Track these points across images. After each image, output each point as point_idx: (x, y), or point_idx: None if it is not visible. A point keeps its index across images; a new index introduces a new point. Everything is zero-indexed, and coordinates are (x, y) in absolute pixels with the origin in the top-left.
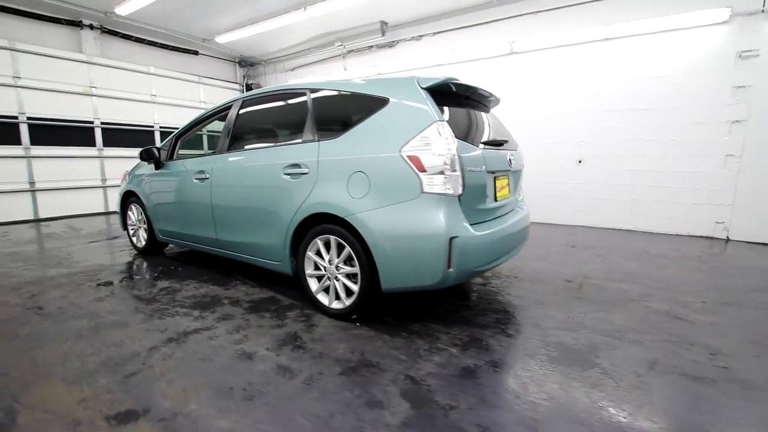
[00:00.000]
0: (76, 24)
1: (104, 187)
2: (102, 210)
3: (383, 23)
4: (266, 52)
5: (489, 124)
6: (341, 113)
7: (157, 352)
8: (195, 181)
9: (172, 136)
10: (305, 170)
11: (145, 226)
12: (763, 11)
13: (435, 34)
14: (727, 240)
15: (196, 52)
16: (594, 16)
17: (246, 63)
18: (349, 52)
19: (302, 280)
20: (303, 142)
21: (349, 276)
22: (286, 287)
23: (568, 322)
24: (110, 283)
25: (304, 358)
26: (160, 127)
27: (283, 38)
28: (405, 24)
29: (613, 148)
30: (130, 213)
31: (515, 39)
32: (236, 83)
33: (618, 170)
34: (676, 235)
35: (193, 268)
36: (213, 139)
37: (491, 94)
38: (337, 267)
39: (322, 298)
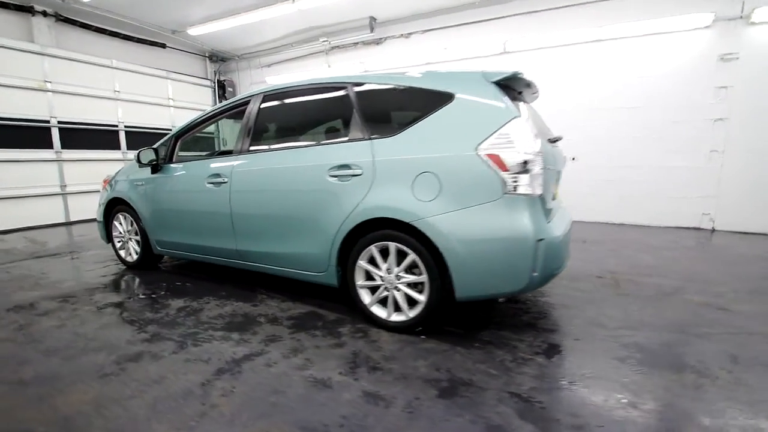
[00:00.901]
0: (26, 10)
1: (64, 194)
2: (62, 220)
3: (372, 19)
4: (241, 47)
5: (538, 120)
6: (396, 109)
7: (214, 388)
8: (208, 186)
9: (170, 135)
10: (357, 171)
11: (137, 237)
12: (741, 17)
13: (425, 32)
14: (713, 230)
15: (163, 45)
16: (585, 18)
17: (217, 58)
18: (333, 48)
19: (352, 291)
20: (350, 140)
21: (411, 285)
22: (324, 299)
23: (628, 321)
24: (113, 306)
25: (387, 380)
26: (126, 126)
27: (263, 32)
28: (394, 21)
29: (604, 145)
30: (116, 223)
31: (508, 39)
32: (207, 79)
33: (609, 166)
34: (665, 227)
35: (202, 282)
36: (206, 140)
37: (537, 89)
38: (397, 276)
39: (378, 311)
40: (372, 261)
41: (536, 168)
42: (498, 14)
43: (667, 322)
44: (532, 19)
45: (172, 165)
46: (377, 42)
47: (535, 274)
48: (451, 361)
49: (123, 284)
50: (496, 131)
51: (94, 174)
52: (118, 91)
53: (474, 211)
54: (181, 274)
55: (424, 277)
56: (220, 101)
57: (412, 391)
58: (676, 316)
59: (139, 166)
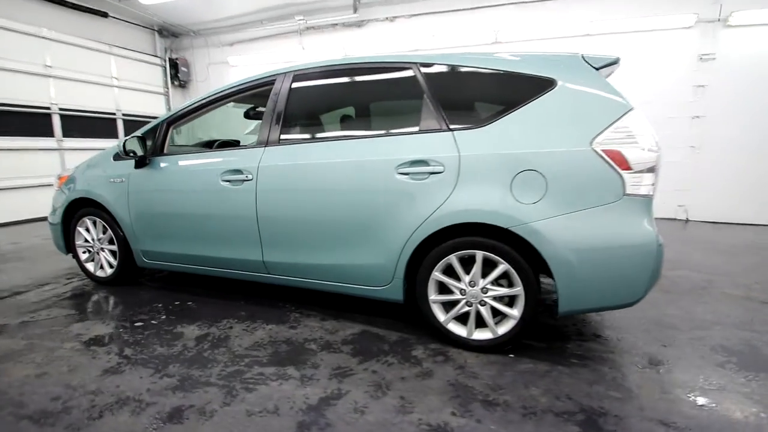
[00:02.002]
0: None
1: None
2: None
3: None
4: (198, 21)
5: None
6: (482, 96)
7: None
8: (223, 184)
9: (159, 121)
10: (437, 168)
11: (113, 247)
12: (719, 20)
13: (411, 16)
14: (687, 220)
15: (105, 14)
16: (576, 12)
17: (168, 33)
18: (309, 28)
19: (422, 307)
20: (422, 131)
21: (497, 299)
22: (369, 314)
23: (693, 320)
24: (104, 340)
25: (514, 419)
26: (61, 109)
27: (227, 5)
28: (378, 2)
29: None
30: (81, 230)
31: (500, 28)
32: (157, 57)
33: None
34: None
35: (207, 300)
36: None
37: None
38: (483, 289)
39: (456, 329)
40: (447, 272)
41: (658, 167)
42: (490, 2)
43: (730, 319)
44: (523, 11)
45: (163, 158)
46: (359, 24)
47: (650, 283)
48: (563, 384)
49: (103, 306)
50: (611, 125)
51: (25, 166)
52: (50, 66)
53: (588, 214)
54: (172, 290)
55: (518, 290)
56: (173, 82)
57: (551, 430)
58: (731, 311)
59: (114, 159)
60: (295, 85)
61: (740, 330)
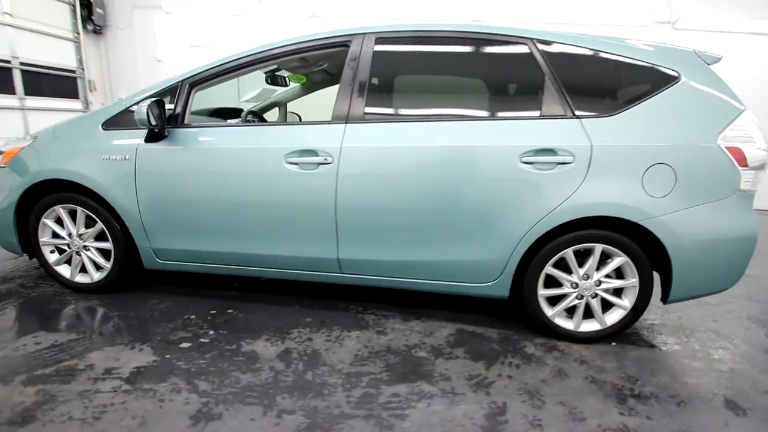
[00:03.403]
0: None
1: None
2: None
3: None
4: None
5: None
6: (608, 83)
7: None
8: (289, 167)
9: (177, 80)
10: (566, 158)
11: (104, 244)
12: (669, 22)
13: None
14: None
15: None
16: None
17: None
18: None
19: (530, 302)
20: (544, 116)
21: (609, 291)
22: (453, 311)
23: None
24: (154, 372)
25: (671, 409)
26: None
27: None
28: None
29: None
30: (47, 222)
31: (480, 7)
32: None
33: None
34: None
35: (238, 304)
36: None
37: None
38: (597, 282)
39: (562, 322)
40: (558, 265)
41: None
42: None
43: None
44: None
45: (190, 131)
46: None
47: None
48: (686, 369)
49: (112, 324)
50: (730, 123)
51: None
52: None
53: (707, 208)
54: (187, 294)
55: (634, 281)
56: (85, 26)
57: (709, 415)
58: None
59: (104, 128)
60: (378, 49)
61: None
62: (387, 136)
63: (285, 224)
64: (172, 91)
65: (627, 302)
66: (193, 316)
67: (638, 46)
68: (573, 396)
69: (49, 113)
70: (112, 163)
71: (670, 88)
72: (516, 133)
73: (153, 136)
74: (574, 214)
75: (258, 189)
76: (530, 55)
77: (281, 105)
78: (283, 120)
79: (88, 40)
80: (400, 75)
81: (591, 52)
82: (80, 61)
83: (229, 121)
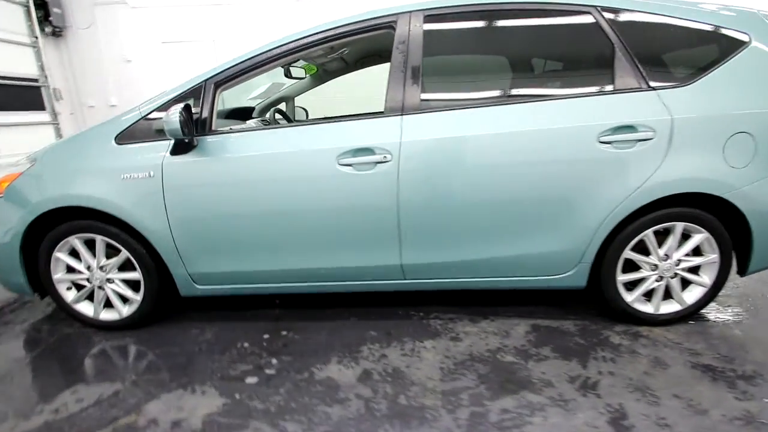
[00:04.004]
0: None
1: None
2: None
3: None
4: None
5: None
6: (677, 50)
7: None
8: (343, 169)
9: (199, 81)
10: (647, 135)
11: (131, 274)
12: None
13: None
14: None
15: None
16: None
17: None
18: None
19: (608, 290)
20: (618, 90)
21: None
22: (514, 305)
23: None
24: (227, 416)
25: None
26: None
27: None
28: None
29: None
30: (60, 256)
31: None
32: None
33: None
34: None
35: (287, 323)
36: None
37: None
38: (677, 261)
39: (643, 307)
40: (635, 248)
41: None
42: None
43: None
44: None
45: (221, 138)
46: None
47: None
48: None
49: (165, 365)
50: None
51: None
52: None
53: None
54: (227, 318)
55: (714, 257)
56: (42, 29)
57: None
58: None
59: (118, 143)
60: (428, 28)
61: None
62: (449, 125)
63: (341, 233)
64: (194, 93)
65: (707, 279)
66: (246, 344)
67: (705, 9)
68: (682, 386)
69: (14, 129)
70: (135, 182)
71: (741, 53)
72: (590, 111)
73: (180, 148)
74: (657, 194)
75: (308, 196)
76: (596, 24)
77: (288, 100)
78: (292, 115)
79: (48, 44)
80: (455, 55)
81: (659, 18)
82: (41, 67)
83: (251, 121)
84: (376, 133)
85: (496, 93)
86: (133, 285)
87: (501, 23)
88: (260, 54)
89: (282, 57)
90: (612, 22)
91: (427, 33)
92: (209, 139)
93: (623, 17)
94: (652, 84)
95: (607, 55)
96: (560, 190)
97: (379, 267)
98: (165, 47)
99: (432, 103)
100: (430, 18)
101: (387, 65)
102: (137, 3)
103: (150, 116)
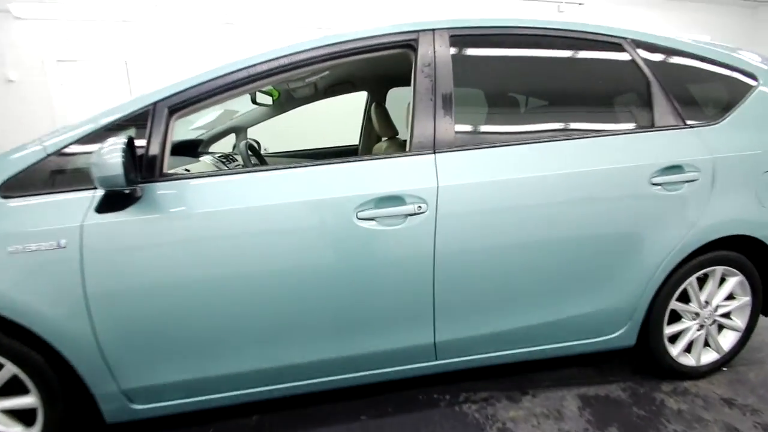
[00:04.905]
0: None
1: None
2: None
3: None
4: None
5: None
6: (706, 88)
7: None
8: (363, 224)
9: (145, 105)
10: (693, 175)
11: (18, 401)
12: (581, 4)
13: None
14: None
15: None
16: None
17: None
18: None
19: (655, 346)
20: (657, 128)
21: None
22: (549, 369)
23: None
24: None
25: None
26: None
27: None
28: None
29: None
30: None
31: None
32: None
33: None
34: None
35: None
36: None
37: None
38: (715, 308)
39: (685, 360)
40: (681, 297)
41: None
42: None
43: None
44: None
45: (171, 185)
46: None
47: None
48: None
49: None
50: None
51: None
52: None
53: None
54: None
55: (747, 299)
56: None
57: None
58: None
59: (4, 195)
60: (456, 51)
61: None
62: (491, 165)
63: (359, 309)
64: (137, 120)
65: (740, 323)
66: None
67: (719, 48)
68: None
69: None
70: (32, 256)
71: (754, 92)
72: (638, 149)
73: (113, 201)
74: (705, 238)
75: (317, 265)
76: (630, 58)
77: (240, 131)
78: (246, 150)
79: None
80: (487, 83)
81: (686, 55)
82: None
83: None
84: (404, 177)
85: (534, 128)
86: (23, 416)
87: (537, 50)
88: (239, 70)
89: (268, 76)
90: (646, 57)
91: (455, 56)
92: (161, 187)
93: (656, 52)
94: (688, 122)
95: (640, 89)
96: (616, 239)
97: (406, 349)
98: (62, 67)
99: (467, 138)
100: (455, 39)
101: (347, 97)
102: (24, 13)
103: (63, 153)
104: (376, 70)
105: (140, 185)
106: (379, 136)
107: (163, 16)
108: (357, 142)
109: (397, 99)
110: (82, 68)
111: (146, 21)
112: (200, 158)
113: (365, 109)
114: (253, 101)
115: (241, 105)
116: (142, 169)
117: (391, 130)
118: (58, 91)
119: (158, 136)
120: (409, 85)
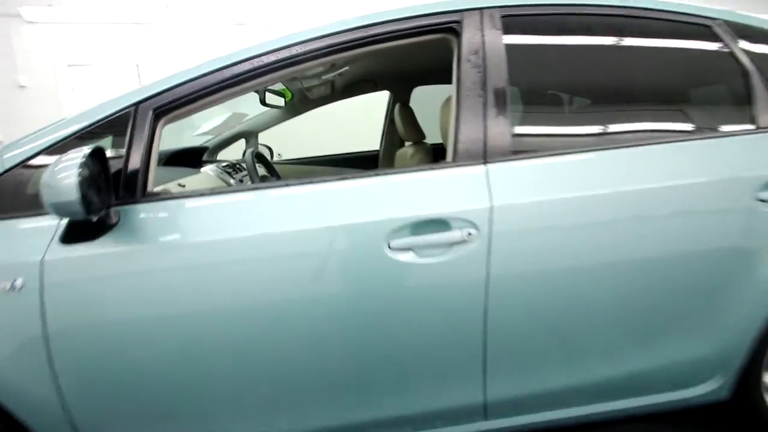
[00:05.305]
0: None
1: None
2: None
3: None
4: None
5: None
6: None
7: None
8: (395, 256)
9: (122, 108)
10: None
11: None
12: None
13: None
14: None
15: None
16: None
17: None
18: None
19: (755, 397)
20: (760, 129)
21: None
22: (604, 426)
23: None
24: None
25: None
26: None
27: None
28: None
29: None
30: None
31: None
32: None
33: None
34: None
35: None
36: None
37: None
38: None
39: None
40: None
41: None
42: None
43: None
44: None
45: (154, 209)
46: None
47: None
48: None
49: None
50: None
51: None
52: None
53: None
54: None
55: None
56: None
57: None
58: None
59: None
60: (510, 36)
61: None
62: (560, 178)
63: (386, 365)
64: (114, 125)
65: None
66: None
67: None
68: None
69: None
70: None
71: None
72: (738, 156)
73: (81, 230)
74: None
75: (338, 310)
76: (724, 45)
77: (250, 136)
78: (253, 159)
79: None
80: (549, 76)
81: None
82: None
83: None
84: (447, 194)
85: (609, 130)
86: None
87: (608, 36)
88: (241, 62)
89: (277, 69)
90: (745, 48)
91: (509, 40)
92: (144, 209)
93: (753, 37)
94: None
95: (742, 84)
96: (714, 268)
97: (448, 410)
98: (73, 71)
99: (527, 144)
100: (509, 22)
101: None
102: (35, 17)
103: (26, 167)
104: (400, 65)
105: (116, 208)
106: (403, 141)
107: (174, 17)
108: (377, 148)
109: (420, 100)
110: (93, 72)
111: (157, 23)
112: (202, 169)
113: (387, 111)
114: (263, 102)
115: (251, 108)
116: (119, 187)
117: (417, 134)
118: (69, 96)
119: (141, 145)
120: (438, 82)
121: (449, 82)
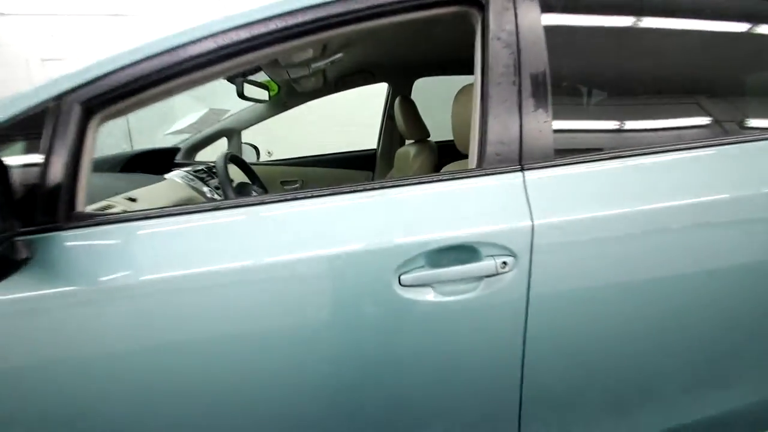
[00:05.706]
0: None
1: None
2: None
3: None
4: None
5: None
6: None
7: None
8: (406, 294)
9: (37, 99)
10: None
11: None
12: None
13: None
14: None
15: None
16: None
17: None
18: None
19: None
20: None
21: None
22: None
23: None
24: None
25: None
26: None
27: None
28: None
29: None
30: None
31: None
32: None
33: None
34: None
35: None
36: None
37: None
38: None
39: None
40: None
41: None
42: None
43: None
44: None
45: (85, 237)
46: None
47: None
48: None
49: None
50: None
51: None
52: None
53: None
54: None
55: None
56: None
57: None
58: None
59: None
60: (549, 12)
61: None
62: (620, 188)
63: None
64: (23, 128)
65: None
66: None
67: None
68: None
69: None
70: None
71: None
72: None
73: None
74: None
75: (335, 365)
76: None
77: (232, 134)
78: (225, 165)
79: None
80: (600, 62)
81: None
82: None
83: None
84: (473, 211)
85: (677, 124)
86: None
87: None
88: (204, 39)
89: (252, 49)
90: None
91: (548, 17)
92: (70, 237)
93: None
94: None
95: None
96: None
97: None
98: (47, 66)
99: (575, 144)
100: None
101: (358, 90)
102: (7, 8)
103: None
104: (402, 52)
105: (26, 237)
106: (403, 139)
107: (156, 9)
108: (375, 146)
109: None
110: (68, 67)
111: (136, 15)
112: (167, 175)
113: (385, 105)
114: (240, 95)
115: (232, 103)
116: (33, 209)
117: (420, 131)
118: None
119: (64, 151)
120: (444, 72)
121: (457, 72)
